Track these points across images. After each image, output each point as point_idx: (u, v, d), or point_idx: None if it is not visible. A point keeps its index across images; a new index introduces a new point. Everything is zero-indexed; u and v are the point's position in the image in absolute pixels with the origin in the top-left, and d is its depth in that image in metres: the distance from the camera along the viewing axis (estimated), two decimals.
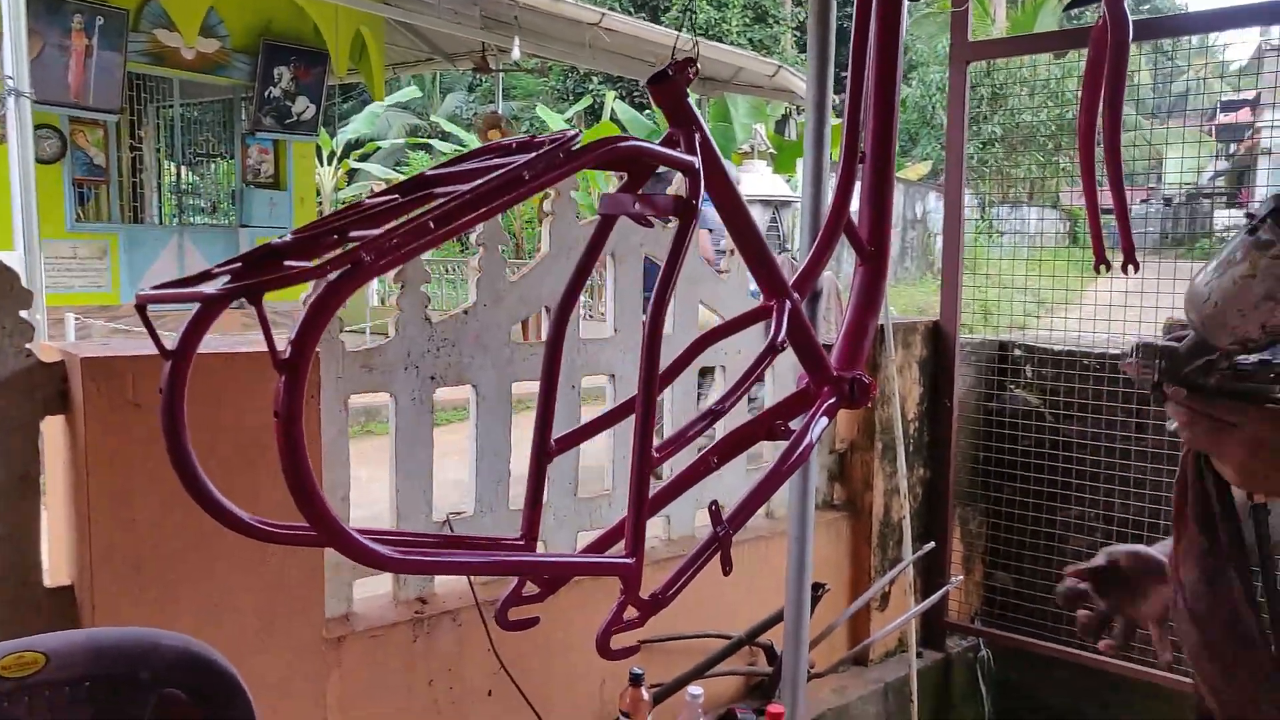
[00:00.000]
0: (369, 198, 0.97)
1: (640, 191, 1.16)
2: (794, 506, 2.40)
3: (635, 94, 19.20)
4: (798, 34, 25.38)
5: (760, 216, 10.70)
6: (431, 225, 0.81)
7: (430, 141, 19.45)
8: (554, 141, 0.96)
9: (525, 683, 2.50)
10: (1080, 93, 1.99)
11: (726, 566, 1.17)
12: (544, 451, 1.14)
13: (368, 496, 2.62)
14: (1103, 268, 2.03)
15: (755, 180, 10.14)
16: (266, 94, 9.36)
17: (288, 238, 0.84)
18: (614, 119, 15.17)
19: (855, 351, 1.50)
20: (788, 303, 1.32)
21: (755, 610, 2.99)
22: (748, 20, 22.38)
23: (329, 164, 17.68)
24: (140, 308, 0.79)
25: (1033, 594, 3.73)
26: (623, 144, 1.04)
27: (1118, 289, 3.46)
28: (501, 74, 12.36)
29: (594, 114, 18.59)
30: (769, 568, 3.03)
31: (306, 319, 0.73)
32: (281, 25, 9.25)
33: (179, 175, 10.82)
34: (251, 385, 1.97)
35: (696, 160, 1.14)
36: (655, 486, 1.28)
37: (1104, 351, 3.57)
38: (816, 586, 2.79)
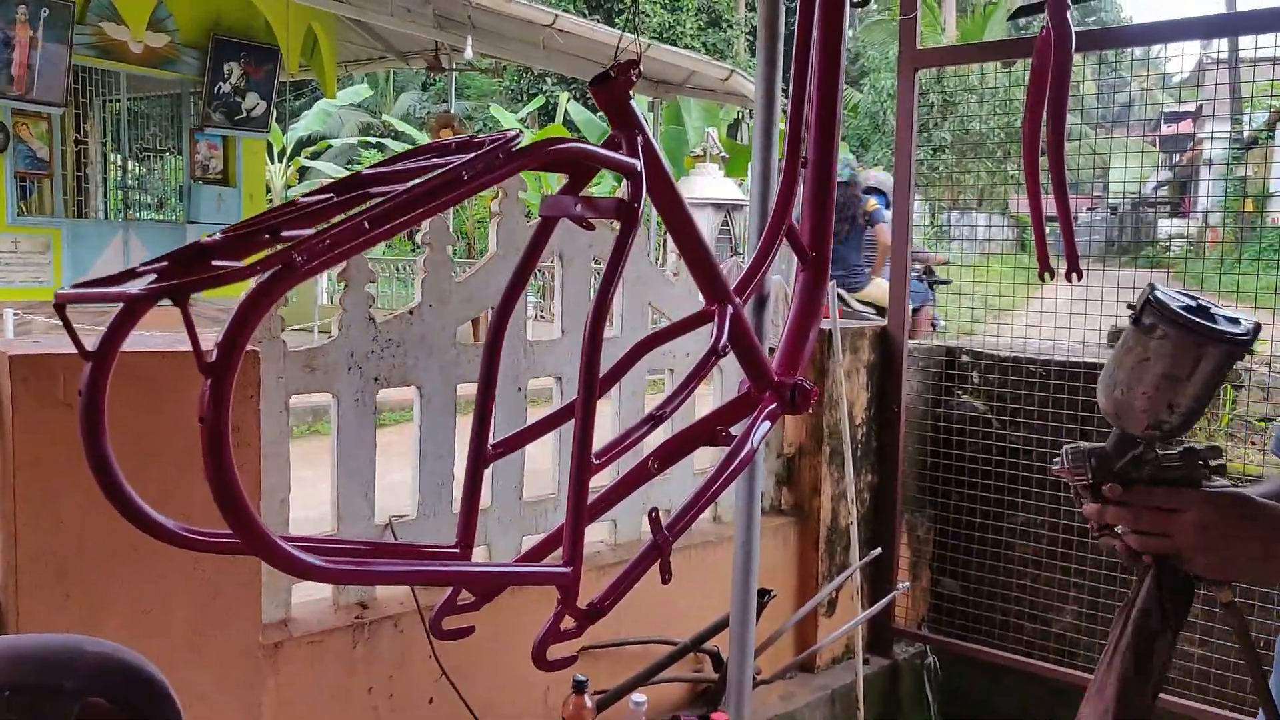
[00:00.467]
0: (304, 196, 0.95)
1: (582, 194, 1.15)
2: (740, 512, 2.39)
3: (589, 95, 19.18)
4: (750, 38, 25.55)
5: (712, 220, 10.73)
6: (367, 225, 0.79)
7: (383, 140, 19.28)
8: (494, 142, 0.94)
9: (468, 689, 2.47)
10: (1025, 101, 2.02)
11: (666, 575, 1.16)
12: (481, 455, 1.12)
13: (316, 497, 2.57)
14: (1047, 275, 2.06)
15: (707, 183, 10.17)
16: (216, 89, 9.20)
17: (218, 236, 0.82)
18: (567, 120, 15.15)
19: (796, 357, 1.50)
20: (729, 308, 1.32)
21: (702, 616, 2.99)
22: (701, 24, 22.47)
23: (280, 161, 17.44)
24: (59, 307, 0.76)
25: (979, 600, 3.78)
26: (563, 146, 1.03)
27: (1064, 296, 3.52)
28: (454, 74, 12.26)
29: (548, 114, 18.54)
30: (716, 573, 3.03)
31: (234, 322, 0.70)
32: (231, 20, 9.10)
33: (125, 170, 10.58)
34: (197, 384, 1.92)
35: (638, 163, 1.13)
36: (595, 492, 1.27)
37: (1049, 358, 3.63)
38: (763, 593, 2.79)
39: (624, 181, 1.16)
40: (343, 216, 0.78)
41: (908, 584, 3.49)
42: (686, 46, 20.41)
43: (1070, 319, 3.54)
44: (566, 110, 15.56)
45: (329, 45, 9.89)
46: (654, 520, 1.15)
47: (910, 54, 3.44)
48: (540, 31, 8.82)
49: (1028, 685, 3.57)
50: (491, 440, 1.15)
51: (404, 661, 2.39)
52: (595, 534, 3.00)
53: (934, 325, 5.78)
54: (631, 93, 1.18)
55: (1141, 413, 1.00)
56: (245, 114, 9.50)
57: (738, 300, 1.36)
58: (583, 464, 0.99)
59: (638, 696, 2.37)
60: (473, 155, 0.87)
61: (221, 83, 9.23)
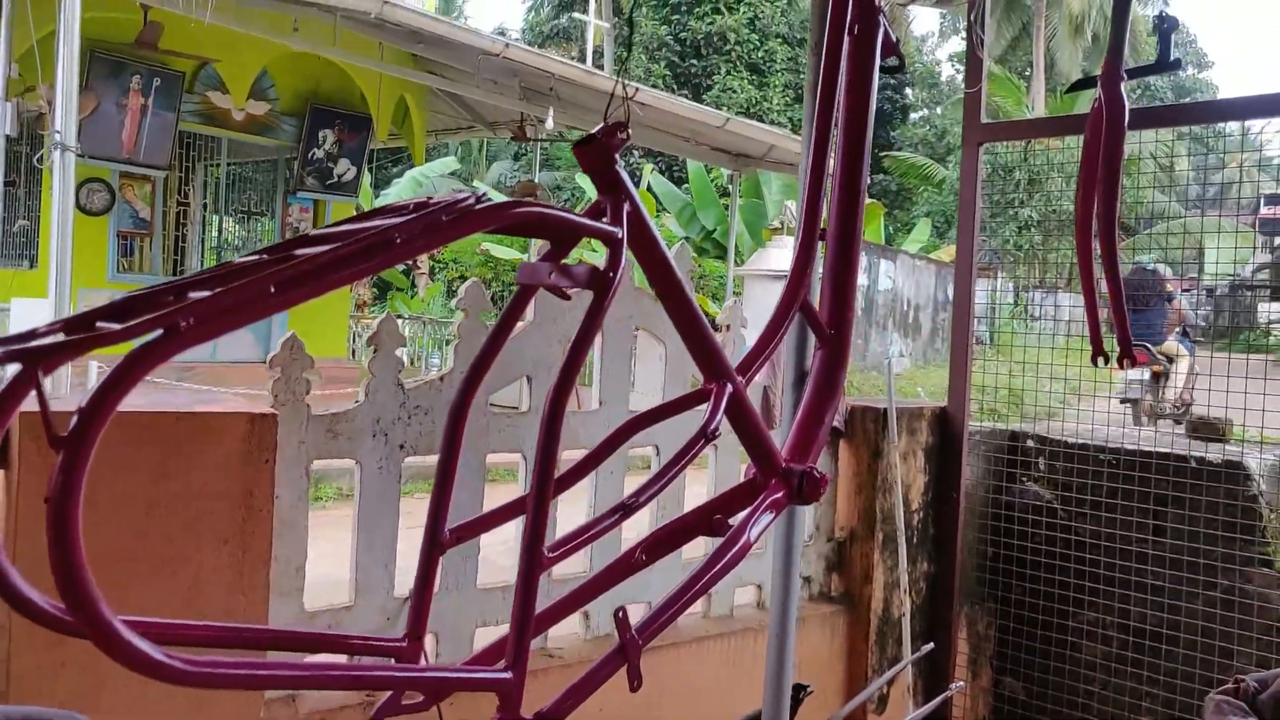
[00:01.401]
0: (240, 257, 0.90)
1: (565, 263, 1.08)
2: (775, 601, 2.26)
3: (674, 168, 19.40)
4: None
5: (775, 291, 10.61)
6: (272, 289, 0.73)
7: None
8: (441, 204, 0.88)
9: None
10: (1078, 178, 1.91)
11: (635, 682, 1.05)
12: (436, 542, 1.04)
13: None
14: (1101, 359, 1.92)
15: (784, 256, 10.10)
16: (310, 155, 9.57)
17: (126, 296, 0.77)
18: (650, 190, 15.30)
19: (808, 442, 1.40)
20: (729, 387, 1.23)
21: (746, 707, 2.82)
22: (788, 100, 22.65)
23: None
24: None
25: (1044, 705, 3.52)
26: (527, 208, 0.97)
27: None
28: (540, 143, 12.52)
29: (634, 183, 18.78)
30: (759, 662, 2.87)
31: (97, 393, 0.65)
32: (329, 90, 9.49)
33: (221, 230, 11.03)
34: (206, 447, 1.90)
35: (620, 230, 1.06)
36: (577, 581, 1.17)
37: (1119, 446, 3.41)
38: (798, 689, 2.62)
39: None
40: (246, 279, 0.72)
41: (963, 683, 3.27)
42: (772, 121, 20.58)
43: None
44: (649, 181, 15.74)
45: (419, 115, 10.23)
46: (621, 621, 1.06)
47: (974, 128, 3.33)
48: (621, 104, 8.95)
49: None
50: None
51: None
52: (565, 627, 2.78)
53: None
54: (618, 157, 1.12)
55: None
56: (336, 179, 9.84)
57: (739, 379, 1.27)
58: (532, 561, 0.91)
59: None
60: (407, 218, 0.81)
61: (316, 149, 9.59)
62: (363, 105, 9.50)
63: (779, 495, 1.31)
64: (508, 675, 0.89)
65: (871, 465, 3.28)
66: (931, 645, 3.23)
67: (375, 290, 18.00)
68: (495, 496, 2.57)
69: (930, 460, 3.44)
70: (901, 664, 3.14)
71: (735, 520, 1.30)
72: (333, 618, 2.25)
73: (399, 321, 2.42)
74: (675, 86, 22.88)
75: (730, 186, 11.66)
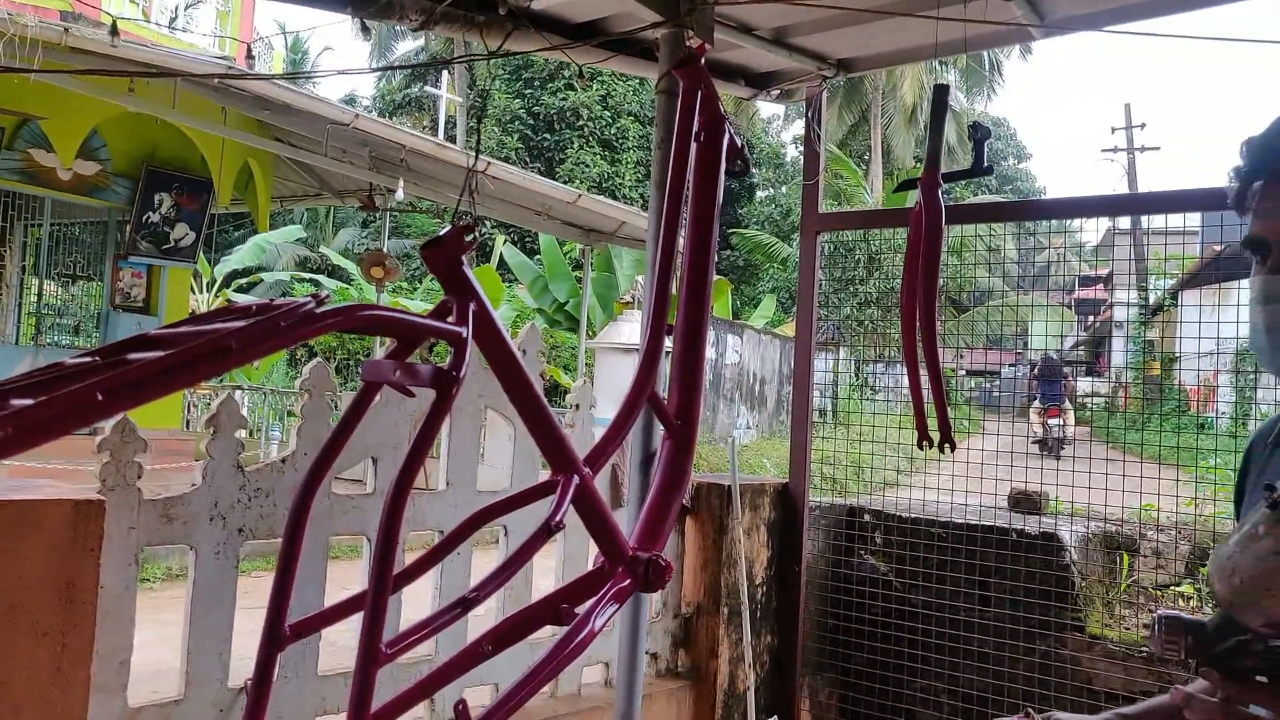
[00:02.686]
0: (73, 358, 0.88)
1: (410, 361, 1.10)
2: (622, 678, 2.28)
3: (527, 239, 19.54)
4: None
5: (634, 366, 10.79)
6: (100, 397, 0.72)
7: (317, 276, 19.28)
8: (282, 309, 0.89)
9: None
10: (902, 275, 2.05)
11: None
12: (276, 637, 1.02)
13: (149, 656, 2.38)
14: (925, 444, 2.05)
15: (634, 329, 10.29)
16: (144, 219, 9.15)
17: None
18: (502, 261, 15.34)
19: (655, 530, 1.44)
20: (575, 479, 1.26)
21: None
22: (640, 175, 23.26)
23: (208, 291, 17.27)
24: None
25: None
26: (372, 311, 0.98)
27: (989, 447, 3.52)
28: (390, 213, 12.40)
29: (484, 255, 18.81)
30: None
31: None
32: (166, 152, 9.14)
33: (41, 293, 10.35)
34: (26, 535, 1.79)
35: (465, 330, 1.09)
36: (426, 666, 1.17)
37: (948, 520, 3.61)
38: None
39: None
40: (72, 388, 0.70)
41: None
42: (624, 197, 21.07)
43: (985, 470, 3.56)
44: (501, 253, 15.79)
45: (264, 181, 9.96)
46: (460, 713, 1.05)
47: (811, 217, 3.53)
48: (472, 177, 8.99)
49: None
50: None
51: None
52: (478, 698, 2.81)
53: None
54: (466, 258, 1.15)
55: (1259, 608, 0.90)
56: (173, 244, 9.43)
57: (586, 470, 1.30)
58: (369, 657, 0.90)
59: None
60: (246, 322, 0.82)
61: (151, 212, 9.18)
62: (203, 169, 9.17)
63: (625, 584, 1.34)
64: None
65: (717, 541, 3.36)
66: (775, 718, 3.30)
67: None
68: (337, 574, 2.51)
69: (773, 535, 3.55)
70: None
71: (582, 609, 1.32)
72: (159, 714, 2.12)
73: (237, 392, 2.35)
74: (528, 159, 23.17)
75: (583, 260, 11.82)
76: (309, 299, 0.89)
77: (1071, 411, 10.85)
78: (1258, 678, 0.90)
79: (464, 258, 1.13)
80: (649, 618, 3.35)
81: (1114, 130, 24.91)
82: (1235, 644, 0.93)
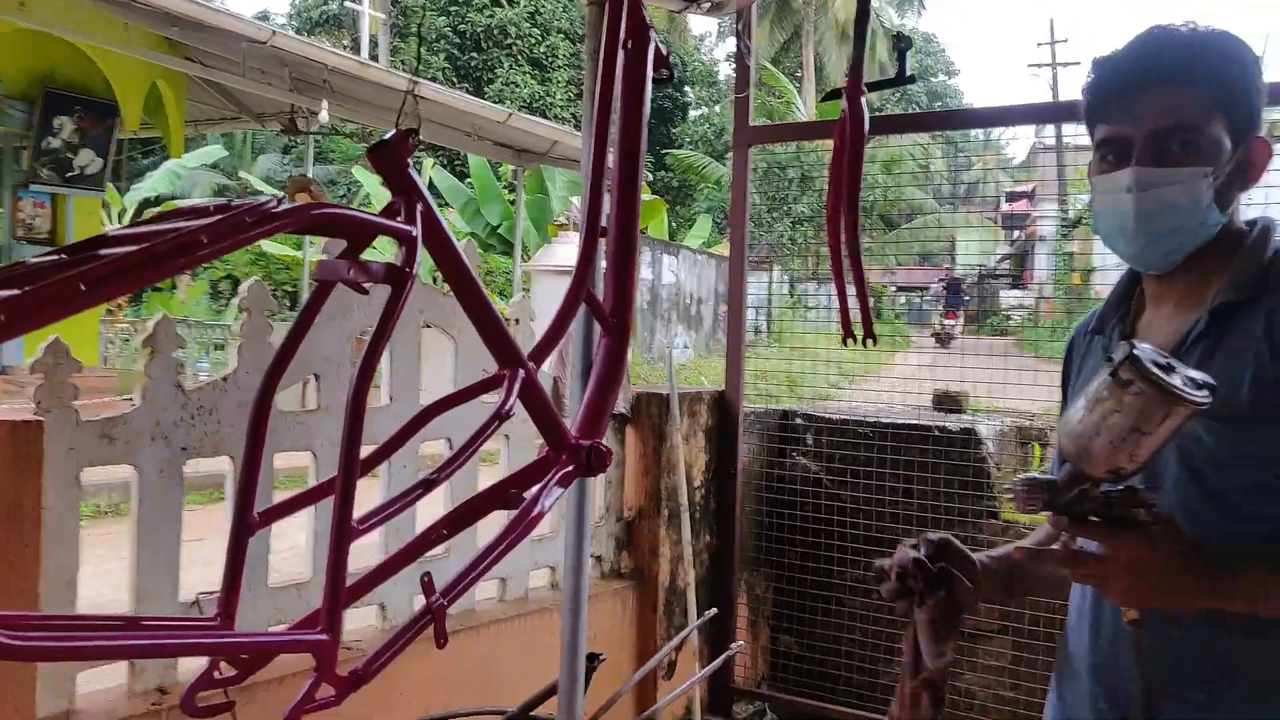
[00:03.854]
0: (34, 256, 0.92)
1: (358, 258, 1.15)
2: (568, 575, 2.39)
3: (457, 162, 19.22)
4: None
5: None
6: (83, 287, 0.77)
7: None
8: (244, 207, 0.93)
9: None
10: (828, 180, 2.14)
11: (441, 640, 1.14)
12: (245, 524, 1.09)
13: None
14: (850, 340, 2.16)
15: (569, 251, 10.28)
16: (44, 144, 8.72)
17: None
18: (433, 185, 15.10)
19: (595, 421, 1.52)
20: (521, 372, 1.33)
21: (544, 681, 2.94)
22: (571, 95, 22.93)
23: (119, 221, 16.72)
24: None
25: (815, 655, 3.85)
26: (326, 210, 1.03)
27: (915, 362, 3.67)
28: (314, 137, 12.08)
29: None
30: (555, 640, 2.99)
31: None
32: (67, 73, 8.70)
33: None
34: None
35: (415, 229, 1.14)
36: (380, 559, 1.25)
37: (875, 420, 3.78)
38: (591, 657, 2.77)
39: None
40: (56, 278, 0.75)
41: (742, 644, 3.53)
42: (555, 117, 20.77)
43: (918, 385, 3.71)
44: (431, 176, 15.52)
45: (176, 103, 9.56)
46: (426, 584, 1.14)
47: (743, 130, 3.59)
48: (398, 97, 8.79)
49: None
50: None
51: None
52: (364, 619, 2.84)
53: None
54: (412, 160, 1.20)
55: (1103, 459, 1.03)
56: (78, 171, 9.05)
57: (530, 365, 1.37)
58: (342, 531, 0.98)
59: None
60: (214, 219, 0.87)
61: (51, 137, 8.76)
62: (108, 91, 8.71)
63: (569, 469, 1.43)
64: (324, 637, 0.96)
65: (656, 448, 3.48)
66: (714, 611, 3.47)
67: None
68: (278, 497, 2.57)
69: (710, 441, 3.68)
70: (686, 630, 3.35)
71: (530, 495, 1.40)
72: None
73: None
74: (455, 80, 22.64)
75: (515, 181, 11.70)
76: (270, 199, 0.94)
77: (963, 315, 14.74)
78: (1091, 518, 1.05)
79: (409, 160, 1.18)
80: (593, 523, 3.48)
81: (1039, 45, 25.18)
82: (1079, 492, 1.06)
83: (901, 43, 2.24)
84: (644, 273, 12.22)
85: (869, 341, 2.04)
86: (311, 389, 2.65)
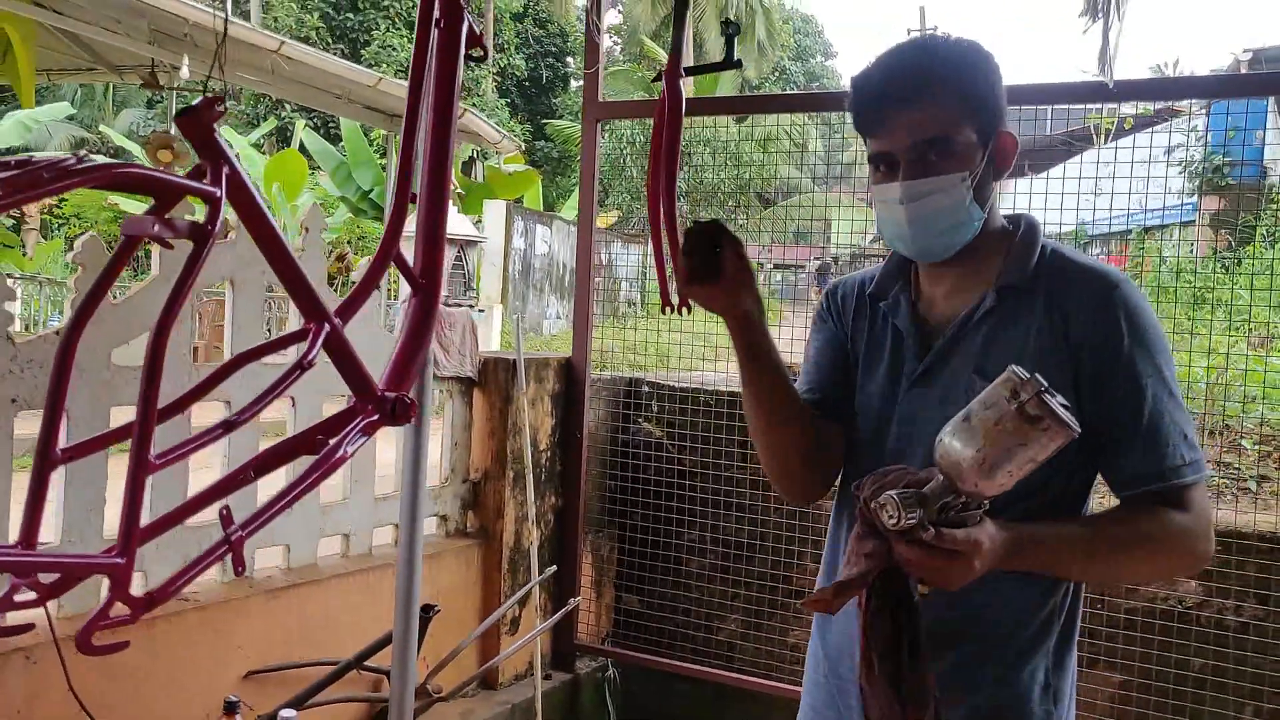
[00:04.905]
0: None
1: (169, 216, 1.24)
2: (403, 526, 2.49)
3: (330, 125, 18.74)
4: (499, 78, 25.91)
5: (447, 254, 10.79)
6: None
7: (98, 157, 17.84)
8: (43, 163, 1.02)
9: None
10: (649, 157, 2.29)
11: (239, 567, 1.25)
12: (47, 458, 1.17)
13: None
14: (668, 310, 2.33)
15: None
16: None
17: None
18: (303, 148, 14.72)
19: (403, 373, 1.64)
20: (326, 326, 1.44)
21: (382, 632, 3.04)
22: None
23: None
24: None
25: (656, 613, 4.07)
26: (127, 169, 1.12)
27: (787, 336, 3.88)
28: (177, 93, 11.63)
29: (285, 139, 17.94)
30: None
31: None
32: None
33: None
34: None
35: (219, 191, 1.24)
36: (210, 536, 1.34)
37: (715, 389, 3.99)
38: (426, 609, 2.90)
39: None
40: None
41: (579, 599, 3.70)
42: None
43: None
44: (302, 139, 15.12)
45: (25, 52, 9.08)
46: (225, 517, 1.25)
47: (593, 106, 3.72)
48: (266, 57, 8.58)
49: (696, 689, 3.88)
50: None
51: (37, 696, 2.29)
52: (269, 559, 2.97)
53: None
54: (218, 125, 1.29)
55: (985, 479, 1.11)
56: None
57: (336, 320, 1.48)
58: (139, 463, 1.08)
59: (286, 712, 2.40)
60: (10, 173, 0.95)
61: None
62: None
63: (374, 419, 1.55)
64: (119, 560, 1.06)
65: (503, 411, 3.61)
66: (555, 568, 3.64)
67: None
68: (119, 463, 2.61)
69: (557, 405, 3.83)
70: (527, 586, 3.51)
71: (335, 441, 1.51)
72: None
73: (9, 281, 2.37)
74: (330, 41, 22.02)
75: (387, 146, 11.52)
76: (71, 156, 1.02)
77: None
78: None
79: (215, 125, 1.27)
80: (439, 483, 3.59)
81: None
82: (941, 506, 1.16)
83: (729, 28, 2.40)
84: (517, 242, 12.25)
85: (683, 310, 2.21)
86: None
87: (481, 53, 1.79)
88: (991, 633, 1.38)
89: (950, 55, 1.38)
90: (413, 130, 1.69)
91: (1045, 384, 1.11)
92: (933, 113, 1.35)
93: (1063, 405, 1.11)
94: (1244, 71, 10.71)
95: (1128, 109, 5.62)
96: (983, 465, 1.12)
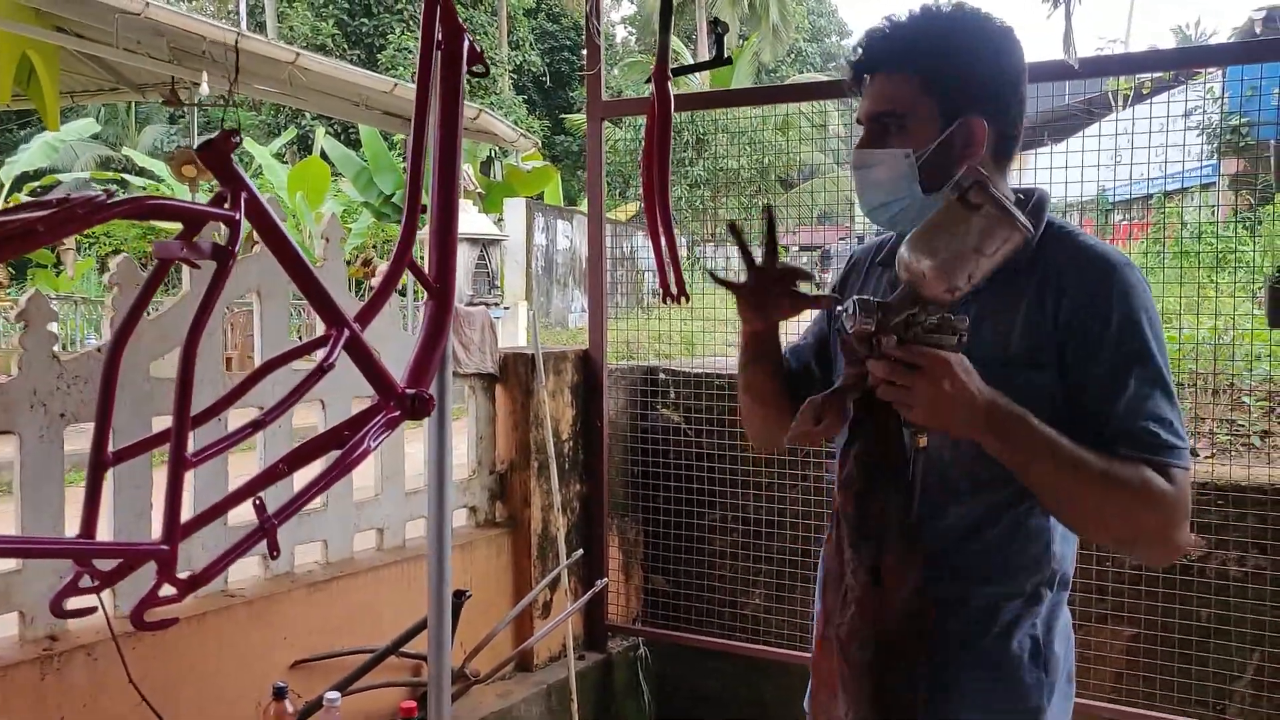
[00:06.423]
0: None
1: (195, 240, 1.37)
2: (431, 513, 2.63)
3: (350, 131, 18.97)
4: (515, 77, 26.03)
5: (468, 255, 10.96)
6: None
7: (125, 175, 18.19)
8: (79, 200, 1.15)
9: (177, 712, 2.56)
10: (642, 154, 2.40)
11: (274, 551, 1.38)
12: (100, 461, 1.31)
13: None
14: (668, 299, 2.44)
15: (464, 220, 10.40)
16: None
17: None
18: (324, 155, 14.94)
19: (422, 371, 1.77)
20: (346, 331, 1.57)
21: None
22: None
23: None
24: None
25: (683, 592, 4.19)
26: (157, 201, 1.25)
27: (806, 318, 3.95)
28: (199, 108, 11.86)
29: (305, 148, 18.20)
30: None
31: None
32: None
33: None
34: None
35: (238, 214, 1.37)
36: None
37: (730, 372, 4.10)
38: (459, 594, 3.03)
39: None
40: None
41: (606, 580, 3.82)
42: None
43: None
44: (323, 146, 15.35)
45: (49, 75, 9.33)
46: (258, 507, 1.37)
47: (595, 104, 3.83)
48: (283, 69, 8.76)
49: (726, 664, 4.00)
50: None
51: (100, 689, 2.45)
52: (248, 569, 3.08)
53: None
54: (235, 155, 1.42)
55: (941, 279, 1.12)
56: None
57: (355, 325, 1.60)
58: (177, 460, 1.21)
59: (330, 694, 2.54)
60: (51, 210, 1.08)
61: None
62: None
63: (395, 414, 1.67)
64: (165, 547, 1.19)
65: (525, 404, 3.74)
66: (582, 552, 3.77)
67: (11, 270, 16.23)
68: (162, 474, 2.77)
69: (576, 396, 3.96)
70: (556, 570, 3.64)
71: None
72: (2, 582, 2.35)
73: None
74: (346, 46, 22.25)
75: (407, 150, 11.70)
76: (102, 192, 1.15)
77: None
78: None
79: (233, 155, 1.40)
80: (466, 477, 3.73)
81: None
82: (905, 318, 1.18)
83: (718, 28, 2.51)
84: (538, 238, 12.40)
85: (682, 299, 2.32)
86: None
87: (482, 69, 1.91)
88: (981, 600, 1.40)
89: (934, 29, 1.37)
90: (420, 145, 1.81)
91: (986, 175, 1.12)
92: (893, 85, 1.37)
93: (1011, 201, 1.11)
94: (1259, 33, 10.60)
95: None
96: (937, 266, 1.12)
